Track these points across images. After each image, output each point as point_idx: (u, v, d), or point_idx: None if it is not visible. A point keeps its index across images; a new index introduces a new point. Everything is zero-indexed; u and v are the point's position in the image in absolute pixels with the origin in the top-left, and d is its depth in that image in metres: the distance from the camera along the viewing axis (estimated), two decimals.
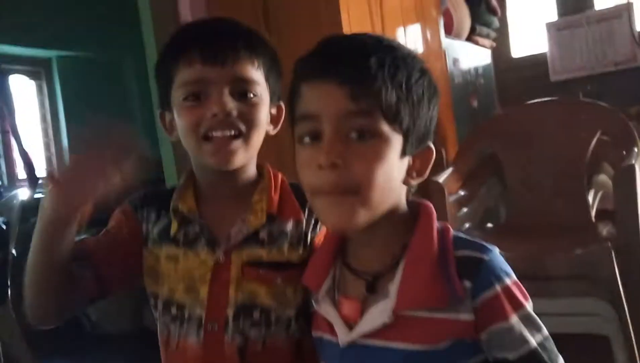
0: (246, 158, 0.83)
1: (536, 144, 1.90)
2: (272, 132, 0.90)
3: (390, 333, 0.62)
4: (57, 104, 3.82)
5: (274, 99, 0.87)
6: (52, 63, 3.74)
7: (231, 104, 0.79)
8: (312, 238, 0.85)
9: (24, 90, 3.74)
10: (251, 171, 0.88)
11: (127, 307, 3.04)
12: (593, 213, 1.77)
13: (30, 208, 2.95)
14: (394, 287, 0.62)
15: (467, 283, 0.61)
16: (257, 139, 0.84)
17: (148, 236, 0.87)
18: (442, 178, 1.71)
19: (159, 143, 2.55)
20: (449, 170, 1.83)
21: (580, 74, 2.61)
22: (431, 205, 0.67)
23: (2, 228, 2.50)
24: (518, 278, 0.64)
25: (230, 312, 0.79)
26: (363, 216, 0.61)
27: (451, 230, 0.66)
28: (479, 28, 2.52)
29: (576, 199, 1.78)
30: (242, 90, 0.81)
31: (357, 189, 0.60)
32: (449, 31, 2.30)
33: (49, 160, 3.99)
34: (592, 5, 2.63)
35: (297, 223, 0.85)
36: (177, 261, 0.84)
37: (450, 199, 1.72)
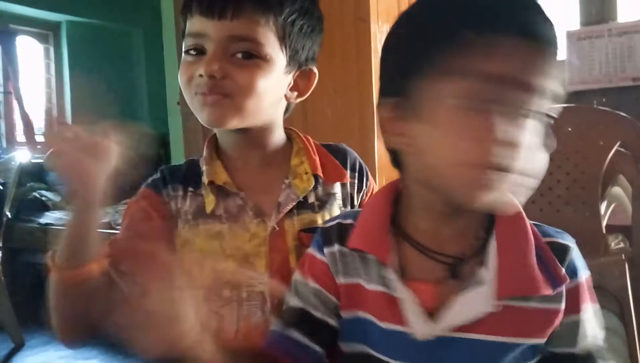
0: (241, 121, 0.75)
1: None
2: (294, 100, 0.81)
3: (486, 325, 0.55)
4: (62, 70, 3.76)
5: (294, 63, 0.77)
6: (62, 27, 3.68)
7: (216, 66, 0.71)
8: (360, 200, 0.83)
9: (31, 52, 3.68)
10: (278, 135, 0.83)
11: None
12: (604, 224, 1.74)
13: (28, 171, 2.92)
14: (489, 273, 0.55)
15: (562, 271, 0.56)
16: (253, 105, 0.74)
17: (178, 216, 0.78)
18: None
19: (167, 116, 2.51)
20: None
21: (596, 86, 2.57)
22: None
23: None
24: None
25: None
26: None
27: None
28: None
29: (588, 210, 1.74)
30: (244, 49, 0.72)
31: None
32: None
33: (50, 125, 3.94)
34: (615, 17, 2.59)
35: (343, 184, 0.82)
36: (223, 238, 0.76)
37: None
